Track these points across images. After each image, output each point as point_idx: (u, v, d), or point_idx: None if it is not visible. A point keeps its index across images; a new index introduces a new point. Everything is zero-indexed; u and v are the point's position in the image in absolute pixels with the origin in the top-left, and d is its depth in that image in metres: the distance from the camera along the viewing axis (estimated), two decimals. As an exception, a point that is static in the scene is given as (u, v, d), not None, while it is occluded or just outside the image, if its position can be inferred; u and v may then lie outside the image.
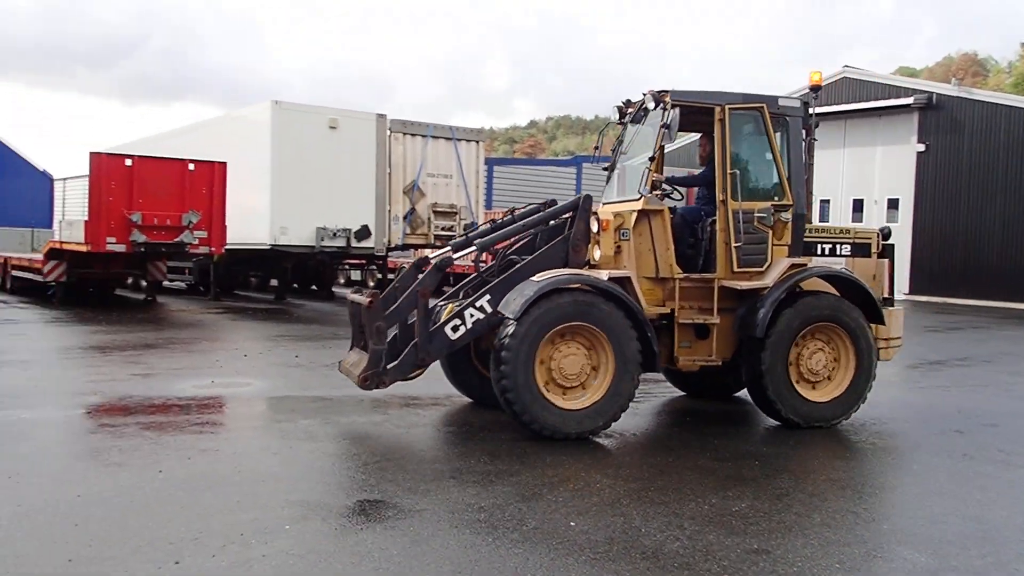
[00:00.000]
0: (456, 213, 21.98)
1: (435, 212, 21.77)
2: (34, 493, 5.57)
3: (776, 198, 8.10)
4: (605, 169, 8.96)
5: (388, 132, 20.95)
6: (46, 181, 36.16)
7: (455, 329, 7.58)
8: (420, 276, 7.87)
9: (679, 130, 7.76)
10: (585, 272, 7.75)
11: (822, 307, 7.97)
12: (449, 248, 8.25)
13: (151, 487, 5.74)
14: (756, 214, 7.97)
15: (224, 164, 18.63)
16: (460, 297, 8.26)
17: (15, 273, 21.99)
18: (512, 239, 8.42)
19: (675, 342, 7.89)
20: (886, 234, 8.91)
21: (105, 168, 17.37)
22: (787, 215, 8.08)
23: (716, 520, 5.38)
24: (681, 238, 8.19)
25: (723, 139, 7.91)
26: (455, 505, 5.53)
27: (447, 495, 5.76)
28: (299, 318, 18.05)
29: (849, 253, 8.63)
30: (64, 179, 38.27)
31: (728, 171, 7.87)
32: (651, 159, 7.93)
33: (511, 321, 7.11)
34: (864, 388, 8.12)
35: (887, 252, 8.82)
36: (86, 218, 17.79)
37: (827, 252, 8.57)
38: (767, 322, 7.68)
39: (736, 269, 7.95)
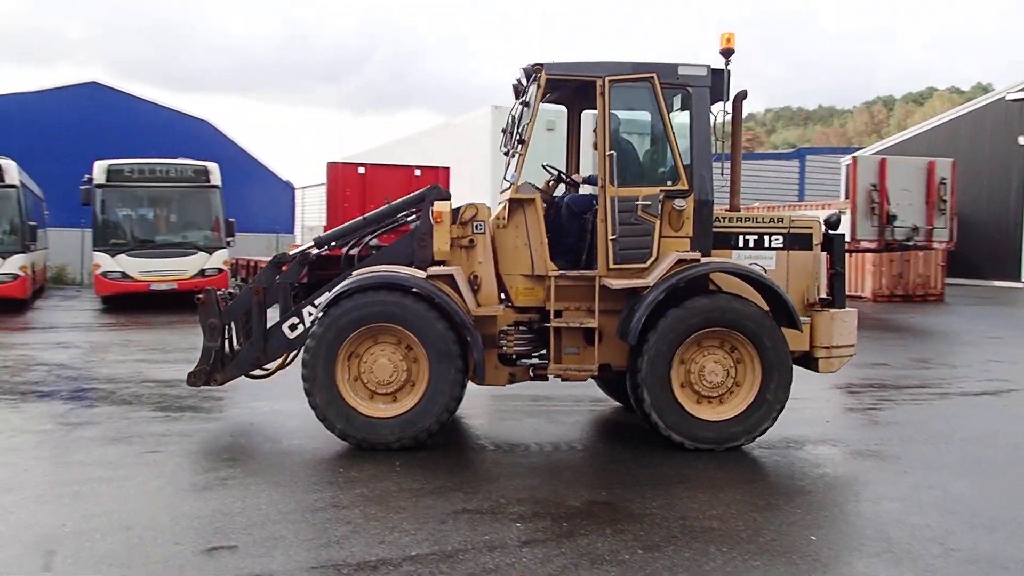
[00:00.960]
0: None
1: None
2: (300, 487, 5.99)
3: (669, 183, 7.06)
4: (506, 154, 7.89)
5: (605, 131, 20.96)
6: (289, 190, 39.19)
7: (292, 328, 7.40)
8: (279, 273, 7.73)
9: (584, 108, 7.30)
10: (396, 269, 7.04)
11: (714, 309, 6.79)
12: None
13: (392, 480, 6.00)
14: (639, 202, 6.92)
15: (447, 169, 19.35)
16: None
17: (264, 275, 24.01)
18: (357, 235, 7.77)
19: (552, 347, 7.07)
20: (832, 223, 7.51)
21: (341, 176, 18.55)
22: (682, 202, 6.96)
23: (980, 537, 4.90)
24: (569, 230, 7.47)
25: (603, 116, 6.98)
26: (685, 511, 5.39)
27: (676, 500, 5.63)
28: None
29: (782, 245, 7.30)
30: (303, 188, 41.36)
31: (606, 152, 6.93)
32: (520, 142, 7.09)
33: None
34: (772, 407, 6.83)
35: (833, 244, 7.44)
36: (324, 223, 19.07)
37: (752, 245, 7.30)
38: (640, 327, 6.67)
39: (612, 265, 6.97)
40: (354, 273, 7.13)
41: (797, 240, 7.31)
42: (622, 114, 7.33)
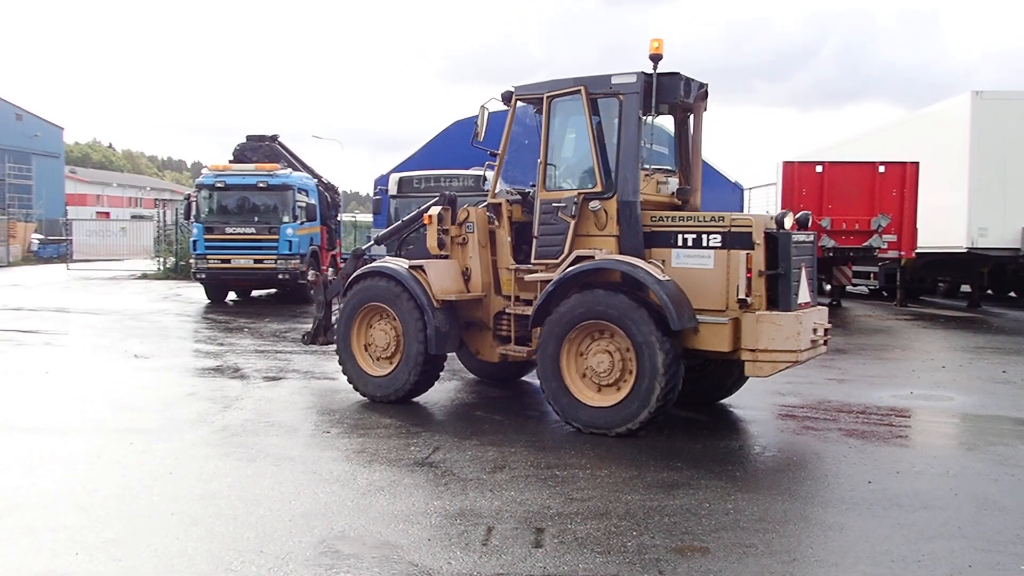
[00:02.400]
0: None
1: None
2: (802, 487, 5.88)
3: (590, 186, 7.60)
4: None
5: None
6: (737, 191, 39.01)
7: None
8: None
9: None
10: (392, 261, 8.69)
11: (582, 303, 7.27)
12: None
13: (945, 500, 5.61)
14: (556, 204, 7.68)
15: (916, 164, 17.80)
16: None
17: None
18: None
19: (514, 331, 8.15)
20: (780, 220, 7.24)
21: (797, 176, 17.99)
22: (596, 203, 7.47)
23: None
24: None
25: (543, 128, 7.84)
26: None
27: None
28: (1000, 328, 16.28)
29: (720, 244, 7.18)
30: (751, 188, 40.86)
31: (539, 160, 7.82)
32: (492, 155, 8.33)
33: None
34: (645, 399, 6.98)
35: (778, 243, 7.11)
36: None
37: (691, 244, 7.33)
38: (532, 317, 7.66)
39: (533, 261, 7.88)
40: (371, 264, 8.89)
41: (737, 239, 7.12)
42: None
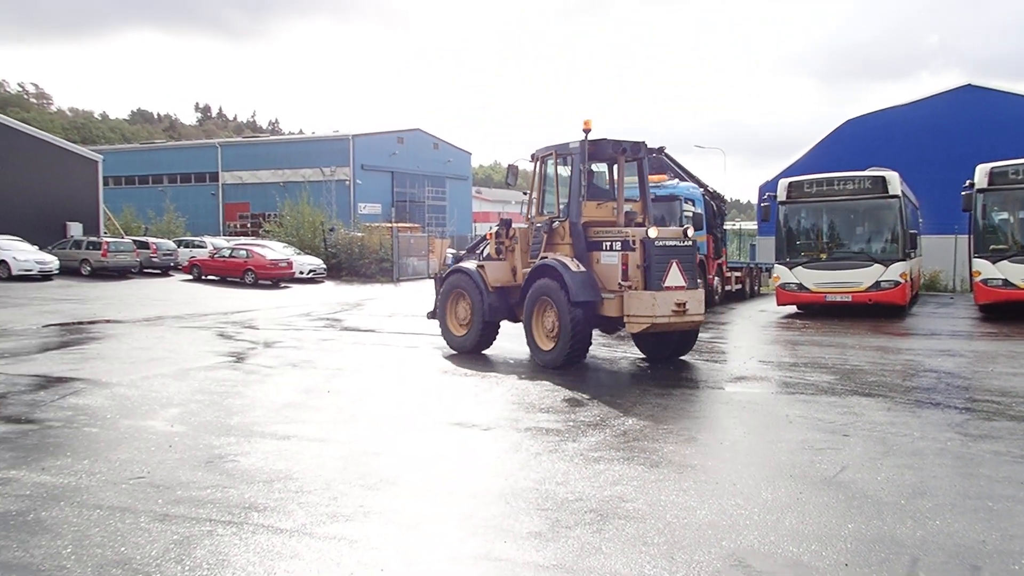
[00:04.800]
0: None
1: None
2: None
3: (553, 212, 12.30)
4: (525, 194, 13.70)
5: None
6: None
7: None
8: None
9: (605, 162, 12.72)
10: (469, 262, 13.76)
11: (539, 286, 11.59)
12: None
13: None
14: (540, 225, 12.25)
15: None
16: None
17: None
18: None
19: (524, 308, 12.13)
20: (647, 231, 10.91)
21: None
22: (557, 223, 11.94)
23: None
24: None
25: (538, 176, 12.50)
26: None
27: None
28: None
29: (620, 248, 11.14)
30: None
31: (534, 197, 12.65)
32: (525, 193, 13.01)
33: None
34: (564, 347, 11.09)
35: (645, 247, 10.83)
36: None
37: (609, 248, 11.35)
38: (520, 295, 12.21)
39: (528, 261, 12.38)
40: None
41: (626, 245, 11.12)
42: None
